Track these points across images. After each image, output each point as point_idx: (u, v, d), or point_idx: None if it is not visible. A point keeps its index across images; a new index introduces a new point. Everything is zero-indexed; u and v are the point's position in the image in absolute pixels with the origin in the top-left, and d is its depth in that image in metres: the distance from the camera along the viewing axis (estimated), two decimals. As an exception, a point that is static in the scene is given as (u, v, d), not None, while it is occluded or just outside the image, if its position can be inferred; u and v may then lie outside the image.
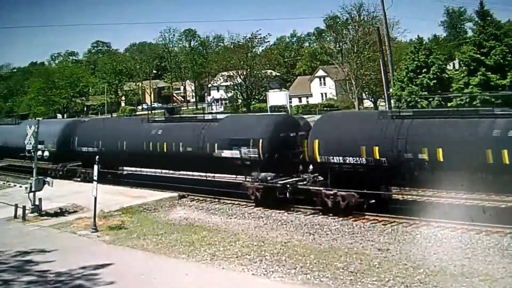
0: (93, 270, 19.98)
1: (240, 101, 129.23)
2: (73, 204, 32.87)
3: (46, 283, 18.98)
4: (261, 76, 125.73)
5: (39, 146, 34.03)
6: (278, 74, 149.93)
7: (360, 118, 31.93)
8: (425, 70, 52.08)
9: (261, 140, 30.63)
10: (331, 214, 27.72)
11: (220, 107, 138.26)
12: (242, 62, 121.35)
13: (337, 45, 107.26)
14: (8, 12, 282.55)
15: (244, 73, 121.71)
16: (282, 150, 30.32)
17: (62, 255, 22.36)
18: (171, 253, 22.38)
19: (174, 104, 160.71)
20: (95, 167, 27.17)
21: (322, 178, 29.04)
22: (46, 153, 32.74)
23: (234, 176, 34.86)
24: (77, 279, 19.14)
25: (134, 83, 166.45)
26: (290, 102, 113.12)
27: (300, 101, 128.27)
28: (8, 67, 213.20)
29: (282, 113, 79.94)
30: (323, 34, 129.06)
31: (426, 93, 50.46)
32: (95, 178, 27.02)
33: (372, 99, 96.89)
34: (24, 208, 29.89)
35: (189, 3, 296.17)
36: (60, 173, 44.06)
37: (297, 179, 30.09)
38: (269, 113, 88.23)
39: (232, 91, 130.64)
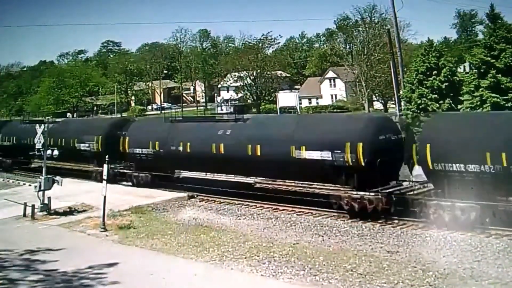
0: (101, 269, 20.02)
1: (249, 101, 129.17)
2: (82, 203, 32.98)
3: (54, 282, 19.00)
4: (271, 77, 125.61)
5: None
6: (288, 75, 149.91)
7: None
8: (435, 72, 51.86)
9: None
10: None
11: (230, 108, 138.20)
12: (252, 63, 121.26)
13: (347, 47, 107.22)
14: (19, 11, 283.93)
15: (254, 74, 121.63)
16: None
17: (70, 254, 22.41)
18: (179, 253, 22.39)
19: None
20: (105, 166, 27.20)
21: None
22: (56, 152, 32.74)
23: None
24: (85, 278, 19.18)
25: (144, 83, 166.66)
26: (300, 103, 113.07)
27: (310, 103, 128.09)
28: (18, 65, 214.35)
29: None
30: (334, 35, 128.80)
31: (436, 95, 50.24)
32: (105, 177, 27.03)
33: (382, 101, 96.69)
34: (33, 206, 29.96)
35: (200, 4, 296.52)
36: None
37: None
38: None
39: (242, 92, 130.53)
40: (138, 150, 38.29)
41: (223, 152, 32.61)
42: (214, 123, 35.48)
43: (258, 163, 31.10)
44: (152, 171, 37.59)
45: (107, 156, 27.67)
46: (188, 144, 34.78)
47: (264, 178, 35.12)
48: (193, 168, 37.45)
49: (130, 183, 39.17)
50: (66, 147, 42.76)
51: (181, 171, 39.09)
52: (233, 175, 35.88)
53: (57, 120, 52.97)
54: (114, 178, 38.22)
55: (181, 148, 35.13)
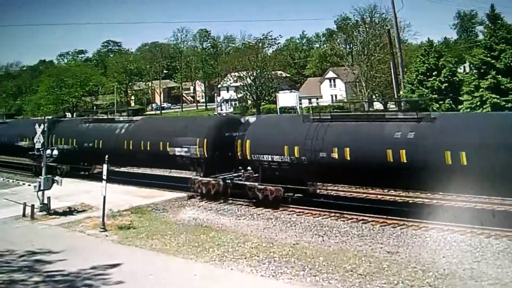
0: (102, 270, 19.98)
1: (249, 102, 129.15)
2: (81, 203, 32.92)
3: (55, 283, 18.98)
4: (271, 77, 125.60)
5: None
6: (288, 75, 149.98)
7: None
8: (435, 73, 51.99)
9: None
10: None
11: (230, 108, 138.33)
12: (252, 63, 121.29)
13: (348, 47, 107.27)
14: (18, 10, 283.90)
15: (254, 74, 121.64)
16: None
17: (70, 255, 22.34)
18: (179, 253, 22.36)
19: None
20: (104, 166, 27.14)
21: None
22: (55, 152, 32.63)
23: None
24: (86, 279, 19.14)
25: (144, 83, 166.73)
26: (300, 103, 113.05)
27: (310, 103, 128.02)
28: (17, 65, 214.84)
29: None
30: (334, 35, 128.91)
31: (436, 96, 50.35)
32: (104, 177, 27.00)
33: (382, 101, 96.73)
34: (32, 206, 29.93)
35: (200, 4, 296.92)
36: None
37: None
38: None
39: (242, 92, 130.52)
40: (266, 157, 30.78)
41: (405, 161, 25.02)
42: (383, 123, 27.31)
43: (463, 175, 23.27)
44: (284, 183, 30.44)
45: (106, 156, 27.50)
46: (347, 149, 27.09)
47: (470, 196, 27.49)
48: (350, 180, 30.52)
49: (252, 199, 31.96)
50: (151, 152, 37.46)
51: (323, 184, 33.14)
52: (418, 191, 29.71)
53: (135, 118, 44.01)
54: (226, 192, 33.42)
55: (335, 155, 27.60)
